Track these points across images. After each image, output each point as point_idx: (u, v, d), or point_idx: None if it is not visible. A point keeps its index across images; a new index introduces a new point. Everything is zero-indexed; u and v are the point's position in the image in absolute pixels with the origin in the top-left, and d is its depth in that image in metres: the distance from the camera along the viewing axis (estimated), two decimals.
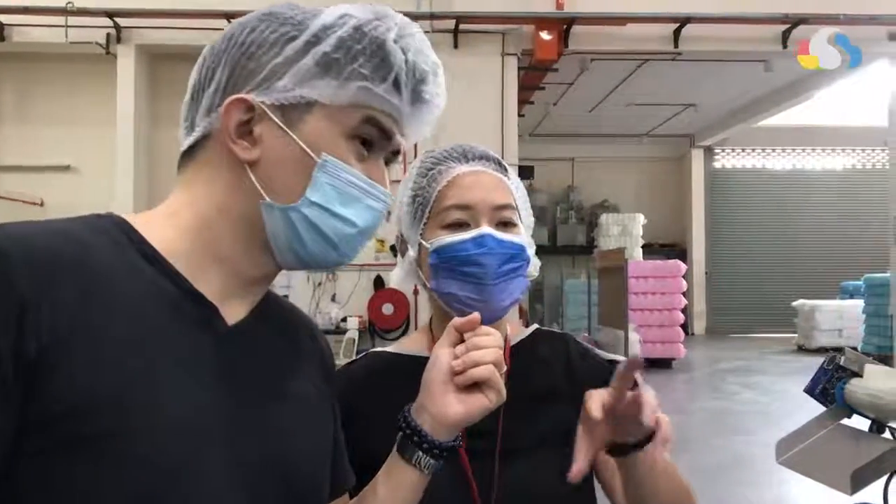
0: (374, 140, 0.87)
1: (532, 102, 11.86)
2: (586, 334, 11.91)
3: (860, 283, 12.64)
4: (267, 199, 0.84)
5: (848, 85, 11.97)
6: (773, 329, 15.70)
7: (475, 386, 0.94)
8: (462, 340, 0.96)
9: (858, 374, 2.89)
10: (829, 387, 2.97)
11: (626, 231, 14.39)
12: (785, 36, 9.61)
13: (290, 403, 0.90)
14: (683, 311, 11.77)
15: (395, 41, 0.84)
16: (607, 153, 16.64)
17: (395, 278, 1.29)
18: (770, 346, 14.13)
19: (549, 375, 1.27)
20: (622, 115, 14.11)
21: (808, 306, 13.52)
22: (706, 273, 16.48)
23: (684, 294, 11.79)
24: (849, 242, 16.29)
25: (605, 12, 9.05)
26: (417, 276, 1.26)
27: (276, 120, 0.83)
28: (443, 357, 0.95)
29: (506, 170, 1.28)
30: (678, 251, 15.82)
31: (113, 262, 0.78)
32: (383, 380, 1.25)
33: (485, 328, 0.97)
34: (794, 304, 13.93)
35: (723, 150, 16.93)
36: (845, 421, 2.99)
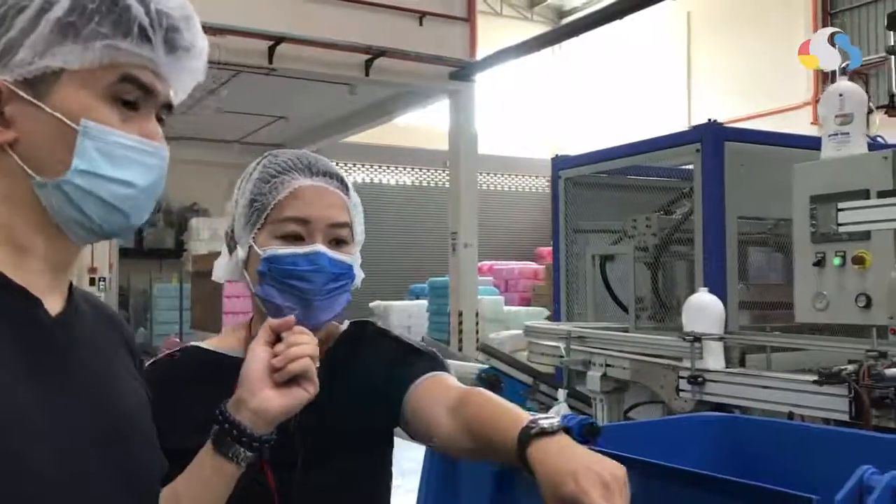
0: (137, 98, 0.84)
1: None
2: (177, 339, 11.84)
3: (425, 285, 14.38)
4: (36, 177, 0.80)
5: (418, 113, 13.68)
6: None
7: (293, 380, 0.99)
8: (277, 340, 1.02)
9: None
10: None
11: (216, 235, 14.49)
12: (367, 65, 10.70)
13: (123, 386, 0.89)
14: None
15: None
16: (198, 156, 16.57)
17: (218, 271, 1.28)
18: None
19: (365, 374, 1.26)
20: (214, 121, 14.25)
21: (383, 306, 14.97)
22: None
23: None
24: (416, 250, 18.36)
25: (204, 22, 9.21)
26: (242, 276, 1.25)
27: (25, 96, 0.79)
28: (261, 354, 1.00)
29: (347, 188, 1.30)
30: None
31: None
32: (197, 376, 1.24)
33: (300, 328, 1.03)
34: (371, 304, 15.36)
35: None
36: None
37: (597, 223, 4.49)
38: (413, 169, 18.85)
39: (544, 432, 0.94)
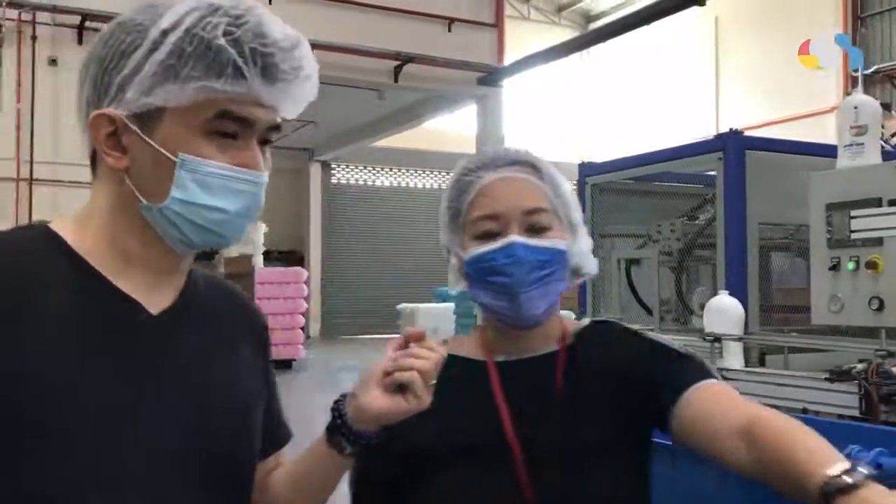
0: (235, 130, 0.90)
1: None
2: None
3: None
4: (144, 201, 0.89)
5: (446, 117, 13.84)
6: (381, 330, 17.13)
7: (402, 389, 1.00)
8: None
9: None
10: None
11: (248, 239, 14.72)
12: (397, 70, 10.90)
13: (229, 378, 0.98)
14: (303, 314, 12.50)
15: (227, 35, 0.86)
16: None
17: (451, 283, 1.28)
18: (378, 346, 15.49)
19: (618, 376, 1.20)
20: None
21: (410, 309, 15.14)
22: (322, 279, 17.53)
23: (304, 299, 12.51)
24: (442, 253, 18.48)
25: None
26: (461, 282, 1.25)
27: (135, 128, 0.88)
28: (385, 358, 1.03)
29: (541, 173, 1.23)
30: (296, 258, 16.60)
31: (42, 271, 0.88)
32: (447, 380, 1.13)
33: (429, 342, 1.02)
34: (399, 307, 15.52)
35: (338, 166, 18.20)
36: None
37: (622, 228, 4.57)
38: (441, 172, 18.97)
39: (850, 487, 0.85)
